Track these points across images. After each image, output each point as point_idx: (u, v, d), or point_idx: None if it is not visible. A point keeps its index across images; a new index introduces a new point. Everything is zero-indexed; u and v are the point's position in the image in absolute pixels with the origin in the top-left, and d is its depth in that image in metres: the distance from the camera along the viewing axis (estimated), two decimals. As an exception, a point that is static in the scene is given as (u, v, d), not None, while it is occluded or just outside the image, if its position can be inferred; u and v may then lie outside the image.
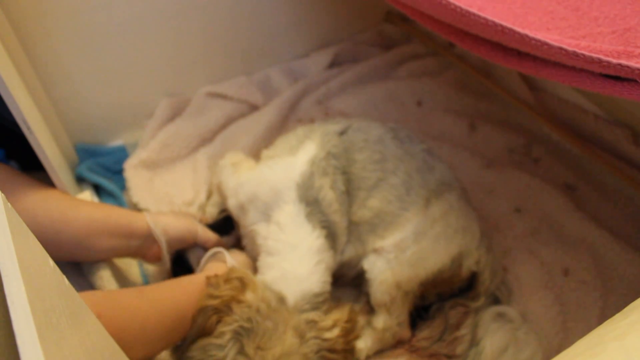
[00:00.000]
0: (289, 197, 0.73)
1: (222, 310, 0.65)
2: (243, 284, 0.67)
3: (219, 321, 0.64)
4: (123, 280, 0.81)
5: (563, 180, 1.00)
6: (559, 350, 0.76)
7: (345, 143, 0.79)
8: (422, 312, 0.83)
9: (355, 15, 1.29)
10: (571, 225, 0.92)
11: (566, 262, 0.87)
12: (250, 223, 0.78)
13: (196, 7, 1.01)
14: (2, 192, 0.34)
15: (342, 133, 0.81)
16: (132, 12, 0.94)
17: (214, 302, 0.65)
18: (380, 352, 0.81)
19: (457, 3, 0.53)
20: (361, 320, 0.82)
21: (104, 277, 0.77)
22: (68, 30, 0.90)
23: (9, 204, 0.32)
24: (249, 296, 0.66)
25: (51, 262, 0.37)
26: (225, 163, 0.88)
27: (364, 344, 0.79)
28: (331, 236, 0.74)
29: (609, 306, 0.81)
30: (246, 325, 0.64)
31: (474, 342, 0.78)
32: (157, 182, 1.00)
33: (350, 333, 0.68)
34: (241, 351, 0.63)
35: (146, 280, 0.86)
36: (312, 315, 0.67)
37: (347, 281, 0.86)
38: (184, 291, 0.68)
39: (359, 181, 0.78)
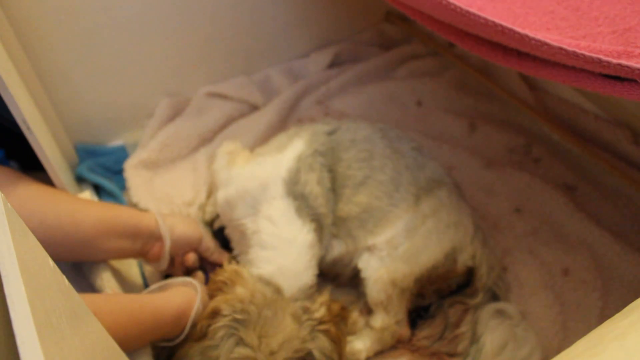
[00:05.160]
0: (277, 192, 0.75)
1: (211, 316, 0.67)
2: (232, 282, 0.70)
3: (209, 325, 0.67)
4: (123, 281, 0.81)
5: (563, 180, 1.00)
6: (558, 350, 0.76)
7: (333, 142, 0.81)
8: (422, 312, 0.83)
9: (355, 15, 1.29)
10: (571, 225, 0.92)
11: (566, 262, 0.87)
12: (238, 217, 0.79)
13: (196, 7, 1.01)
14: (8, 195, 0.34)
15: (331, 133, 0.82)
16: (132, 12, 0.94)
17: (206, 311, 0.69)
18: (380, 352, 0.80)
19: (457, 3, 0.53)
20: (360, 320, 0.83)
21: (105, 277, 0.77)
22: (68, 30, 0.90)
23: (8, 204, 0.32)
24: (238, 290, 0.68)
25: (51, 262, 0.36)
26: (221, 151, 0.89)
27: (362, 345, 0.79)
28: (319, 229, 0.76)
29: (609, 306, 0.82)
30: (240, 317, 0.66)
31: (474, 339, 0.78)
32: (157, 182, 1.00)
33: (331, 304, 0.72)
34: (240, 342, 0.64)
35: (145, 282, 0.86)
36: (306, 302, 0.70)
37: (345, 281, 0.86)
38: (162, 297, 0.70)
39: (344, 179, 0.79)
